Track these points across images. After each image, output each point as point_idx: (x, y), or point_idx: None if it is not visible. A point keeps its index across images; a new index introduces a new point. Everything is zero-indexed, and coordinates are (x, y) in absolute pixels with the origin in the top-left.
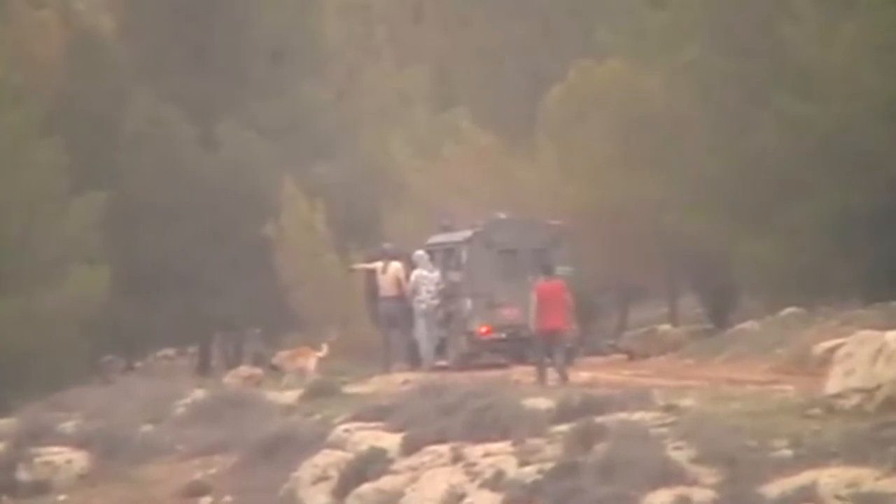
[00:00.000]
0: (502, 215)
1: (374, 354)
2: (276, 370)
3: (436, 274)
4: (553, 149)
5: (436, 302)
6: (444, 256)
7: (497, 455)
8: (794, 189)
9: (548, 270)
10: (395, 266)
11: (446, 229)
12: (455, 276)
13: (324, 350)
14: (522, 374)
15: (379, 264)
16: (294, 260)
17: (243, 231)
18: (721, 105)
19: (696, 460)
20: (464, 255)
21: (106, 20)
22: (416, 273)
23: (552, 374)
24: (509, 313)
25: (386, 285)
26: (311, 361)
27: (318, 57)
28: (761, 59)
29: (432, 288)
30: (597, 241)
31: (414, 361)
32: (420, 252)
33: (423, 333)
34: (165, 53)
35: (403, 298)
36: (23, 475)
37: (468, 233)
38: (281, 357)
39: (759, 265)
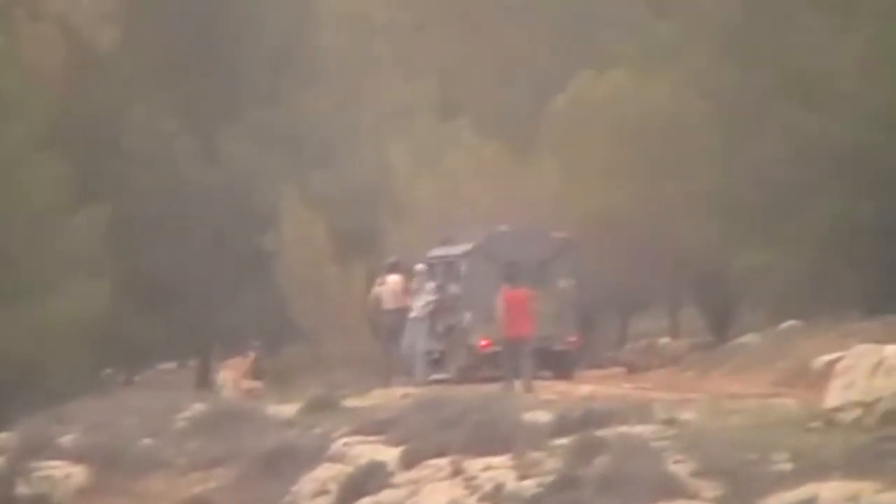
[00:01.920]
0: (503, 227)
1: (372, 367)
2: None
3: (431, 287)
4: (557, 159)
5: (422, 315)
6: (444, 269)
7: (497, 468)
8: (797, 200)
9: (512, 279)
10: (395, 279)
11: (447, 242)
12: (455, 289)
13: (238, 367)
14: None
15: (393, 278)
16: (295, 271)
17: (244, 243)
18: (725, 115)
19: (696, 474)
20: (464, 267)
21: (106, 32)
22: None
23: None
24: None
25: (387, 298)
26: (227, 375)
27: (319, 67)
28: (767, 69)
29: (421, 304)
30: (599, 252)
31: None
32: (420, 266)
33: (413, 346)
34: (165, 65)
35: (404, 311)
36: (21, 489)
37: (468, 245)
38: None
39: (761, 276)
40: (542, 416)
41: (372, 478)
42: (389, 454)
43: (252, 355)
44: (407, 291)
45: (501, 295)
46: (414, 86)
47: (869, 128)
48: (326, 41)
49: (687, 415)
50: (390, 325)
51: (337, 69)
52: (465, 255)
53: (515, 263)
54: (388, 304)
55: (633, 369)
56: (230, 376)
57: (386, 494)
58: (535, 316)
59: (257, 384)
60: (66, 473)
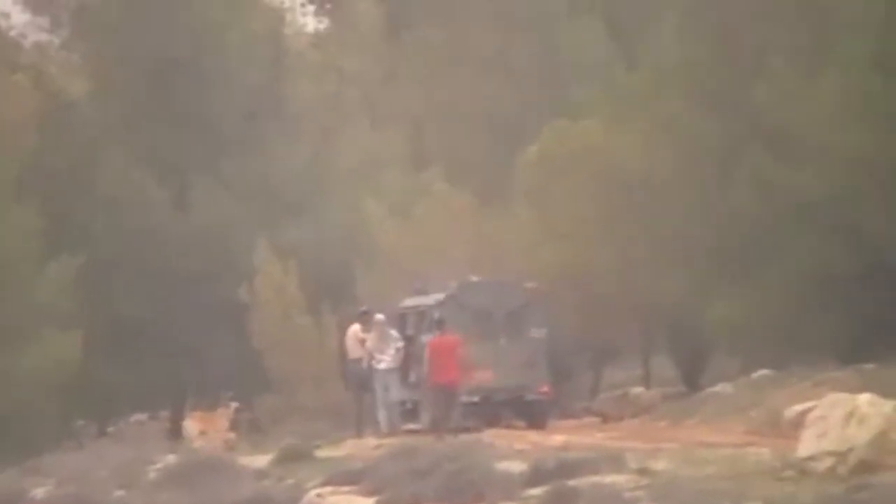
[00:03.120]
0: (475, 278)
1: (345, 417)
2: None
3: (396, 335)
4: (527, 209)
5: (394, 365)
6: (417, 319)
7: None
8: (768, 249)
9: (440, 326)
10: (355, 328)
11: (419, 292)
12: (428, 339)
13: (219, 418)
14: (496, 436)
15: (356, 327)
16: (267, 322)
17: (216, 293)
18: (696, 165)
19: None
20: (437, 317)
21: (78, 83)
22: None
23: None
24: (482, 376)
25: (351, 347)
26: (194, 426)
27: (291, 118)
28: (736, 119)
29: (392, 352)
30: (571, 302)
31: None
32: (380, 316)
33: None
34: (137, 116)
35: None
36: None
37: (441, 296)
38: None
39: (733, 326)
40: (516, 466)
41: None
42: None
43: (234, 406)
44: (361, 341)
45: (429, 342)
46: (386, 136)
47: (840, 176)
48: (298, 91)
49: (660, 464)
50: (356, 374)
51: (309, 119)
52: (438, 305)
53: (487, 313)
54: (354, 353)
55: (606, 419)
56: (199, 427)
57: None
58: (463, 364)
59: (232, 435)
60: None
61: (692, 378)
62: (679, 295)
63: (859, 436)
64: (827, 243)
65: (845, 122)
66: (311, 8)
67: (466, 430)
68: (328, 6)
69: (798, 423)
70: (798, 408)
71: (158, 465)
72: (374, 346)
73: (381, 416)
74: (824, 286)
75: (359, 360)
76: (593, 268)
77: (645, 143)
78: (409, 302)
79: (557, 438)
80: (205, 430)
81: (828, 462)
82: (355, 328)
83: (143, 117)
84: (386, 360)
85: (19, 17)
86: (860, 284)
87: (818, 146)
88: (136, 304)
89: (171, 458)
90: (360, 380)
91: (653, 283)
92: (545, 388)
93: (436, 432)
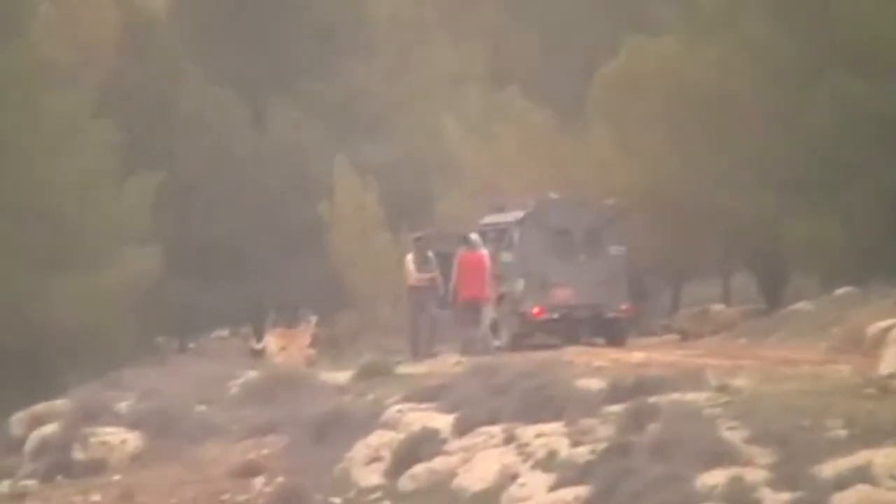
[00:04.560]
0: (554, 195)
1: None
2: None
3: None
4: (605, 127)
5: None
6: (496, 237)
7: (549, 435)
8: (848, 167)
9: (467, 241)
10: (409, 258)
11: (498, 209)
12: (507, 257)
13: (300, 334)
14: (575, 354)
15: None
16: (346, 239)
17: (296, 211)
18: (775, 83)
19: (749, 440)
20: (516, 235)
21: (159, 1)
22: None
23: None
24: (562, 293)
25: (409, 274)
26: (275, 343)
27: (369, 35)
28: (816, 37)
29: None
30: (649, 220)
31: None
32: (475, 235)
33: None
34: (217, 35)
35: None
36: (78, 455)
37: (520, 213)
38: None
39: (813, 244)
40: (595, 384)
41: (425, 444)
42: (442, 421)
43: (314, 320)
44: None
45: (458, 257)
46: (464, 54)
47: None
48: (376, 8)
49: (740, 381)
50: (414, 299)
51: (387, 36)
52: (518, 222)
53: (566, 231)
54: (410, 280)
55: (686, 336)
56: (280, 343)
57: (439, 461)
58: (490, 279)
59: (312, 351)
60: (122, 439)
61: (773, 295)
62: (757, 214)
63: None
64: None
65: None
66: None
67: (546, 347)
68: None
69: (880, 340)
70: (880, 325)
71: (239, 381)
72: None
73: (470, 335)
74: None
75: (416, 288)
76: (670, 187)
77: (724, 61)
78: (489, 219)
79: (637, 356)
80: (286, 346)
81: None
82: (409, 257)
83: (222, 36)
84: None
85: None
86: None
87: None
88: (216, 220)
89: (251, 374)
90: (416, 304)
91: (730, 202)
92: (625, 306)
93: (467, 351)
